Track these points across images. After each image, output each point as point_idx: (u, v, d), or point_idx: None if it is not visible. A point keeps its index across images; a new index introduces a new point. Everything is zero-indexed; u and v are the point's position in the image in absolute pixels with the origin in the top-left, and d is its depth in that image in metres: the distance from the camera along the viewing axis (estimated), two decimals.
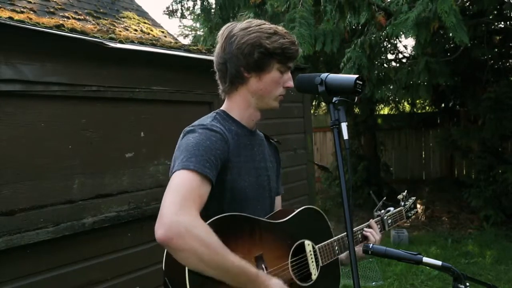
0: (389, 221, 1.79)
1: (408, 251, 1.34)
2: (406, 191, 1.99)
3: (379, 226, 1.72)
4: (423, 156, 9.70)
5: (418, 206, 7.99)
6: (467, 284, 1.25)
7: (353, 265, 1.09)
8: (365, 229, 1.65)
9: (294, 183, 4.03)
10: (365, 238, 1.62)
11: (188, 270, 1.10)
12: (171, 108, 2.80)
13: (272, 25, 1.36)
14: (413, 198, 2.00)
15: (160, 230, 1.03)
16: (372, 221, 1.69)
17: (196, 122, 1.29)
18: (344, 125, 1.14)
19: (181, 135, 1.26)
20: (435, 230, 6.61)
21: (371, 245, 1.38)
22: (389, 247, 1.36)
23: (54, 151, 2.20)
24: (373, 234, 1.63)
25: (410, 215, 1.95)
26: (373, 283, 4.49)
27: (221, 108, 1.40)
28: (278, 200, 1.58)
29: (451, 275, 1.27)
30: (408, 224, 6.98)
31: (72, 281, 2.23)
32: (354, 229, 1.57)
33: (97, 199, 2.38)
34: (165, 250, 1.18)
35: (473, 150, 7.48)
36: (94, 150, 2.38)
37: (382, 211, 1.78)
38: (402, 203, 1.93)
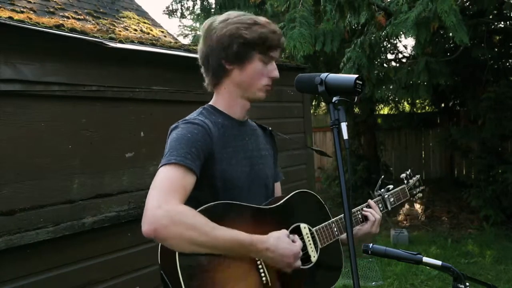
0: (391, 199, 1.77)
1: (408, 251, 1.35)
2: (410, 169, 1.96)
3: (380, 205, 1.70)
4: (423, 156, 9.71)
5: (418, 206, 8.01)
6: (467, 284, 1.25)
7: (353, 264, 1.09)
8: (364, 208, 1.63)
9: (294, 183, 4.03)
10: (365, 217, 1.60)
11: (179, 257, 1.11)
12: (171, 108, 2.80)
13: (252, 16, 1.35)
14: (418, 176, 1.97)
15: (145, 224, 1.07)
16: (370, 201, 1.66)
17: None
18: (344, 125, 1.15)
19: (168, 133, 1.28)
20: (435, 230, 6.60)
21: (371, 245, 1.38)
22: (389, 247, 1.36)
23: (54, 151, 2.20)
24: (373, 213, 1.60)
25: (415, 192, 1.92)
26: (373, 283, 4.49)
27: (209, 103, 1.41)
28: (277, 186, 1.59)
29: (451, 275, 1.28)
30: (408, 224, 6.98)
31: (72, 281, 2.23)
32: (353, 209, 1.57)
33: (97, 199, 2.38)
34: (159, 245, 1.18)
35: (473, 150, 7.48)
36: (94, 150, 2.38)
37: (382, 190, 1.76)
38: (406, 181, 1.90)
